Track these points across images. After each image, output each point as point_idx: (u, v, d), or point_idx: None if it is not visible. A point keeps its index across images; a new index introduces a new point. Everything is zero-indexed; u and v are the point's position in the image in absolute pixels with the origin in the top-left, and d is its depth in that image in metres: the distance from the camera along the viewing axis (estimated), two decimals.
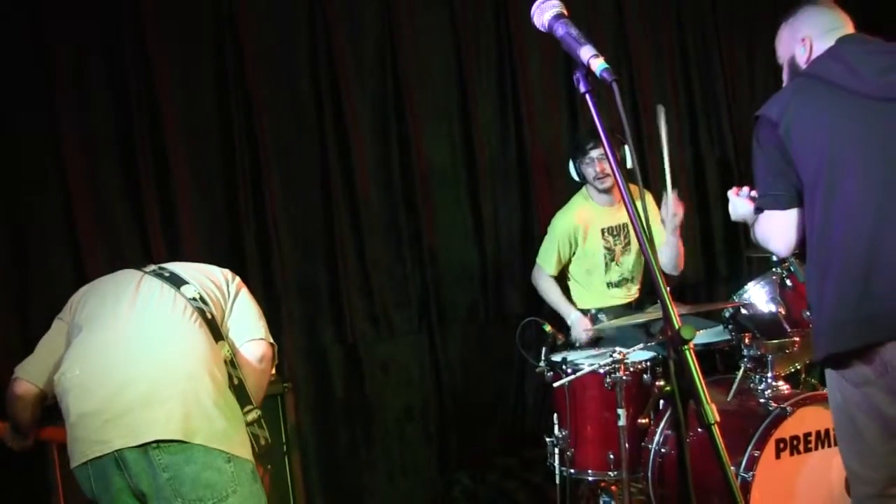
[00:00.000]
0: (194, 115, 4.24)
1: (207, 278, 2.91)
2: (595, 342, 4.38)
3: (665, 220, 4.31)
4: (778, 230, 2.83)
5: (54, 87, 3.92)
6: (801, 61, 2.88)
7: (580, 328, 4.41)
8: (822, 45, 2.81)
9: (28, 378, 2.76)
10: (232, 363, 2.77)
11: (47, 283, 3.84)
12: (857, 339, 2.62)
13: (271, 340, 2.97)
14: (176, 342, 2.65)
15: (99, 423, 2.48)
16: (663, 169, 4.22)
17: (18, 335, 3.75)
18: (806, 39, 2.86)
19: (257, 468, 2.69)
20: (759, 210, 2.90)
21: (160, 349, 2.62)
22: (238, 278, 3.05)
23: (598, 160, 4.40)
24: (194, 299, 2.77)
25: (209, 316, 2.77)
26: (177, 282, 2.81)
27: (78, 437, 2.52)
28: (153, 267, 2.91)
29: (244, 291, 3.01)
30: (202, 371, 2.60)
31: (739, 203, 3.17)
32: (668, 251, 4.37)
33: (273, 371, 3.06)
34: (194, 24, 4.27)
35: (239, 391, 2.74)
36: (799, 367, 4.15)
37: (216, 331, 2.77)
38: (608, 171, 4.37)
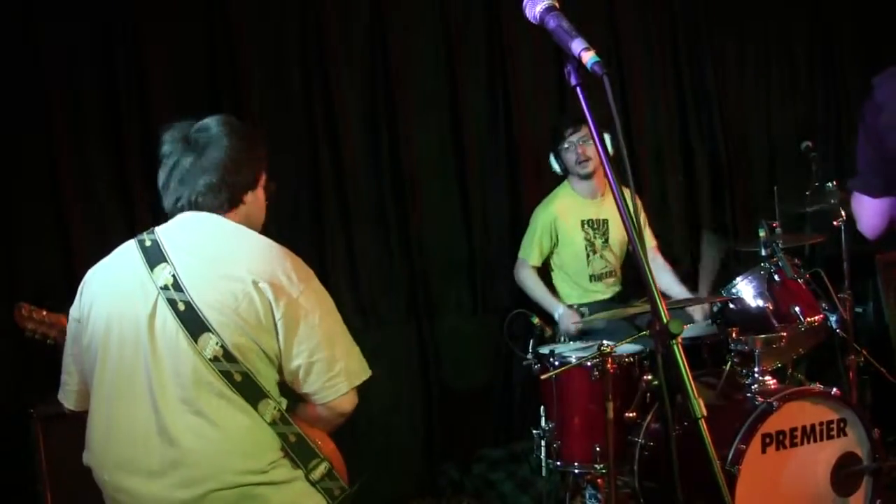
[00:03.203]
0: (184, 106, 4.19)
1: (238, 305, 2.24)
2: (582, 335, 4.37)
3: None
4: (866, 214, 2.81)
5: (47, 86, 3.92)
6: None
7: (568, 322, 4.41)
8: None
9: (69, 405, 2.53)
10: (283, 420, 2.30)
11: (35, 266, 3.83)
12: None
13: (356, 382, 2.40)
14: (188, 446, 2.22)
15: None
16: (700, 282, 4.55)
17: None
18: None
19: None
20: (852, 187, 2.85)
21: (162, 471, 2.23)
22: (299, 286, 2.30)
23: (578, 144, 4.43)
24: (216, 359, 2.21)
25: (238, 377, 2.23)
26: (194, 326, 2.22)
27: None
28: (166, 274, 2.28)
29: (302, 313, 2.28)
30: (227, 481, 2.22)
31: None
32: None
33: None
34: (185, 14, 4.25)
35: (298, 449, 2.33)
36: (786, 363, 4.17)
37: (254, 391, 2.26)
38: (589, 154, 4.42)
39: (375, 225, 4.73)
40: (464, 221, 4.98)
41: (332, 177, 4.57)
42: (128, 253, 2.40)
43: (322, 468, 2.38)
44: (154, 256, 2.33)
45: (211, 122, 2.46)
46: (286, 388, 2.38)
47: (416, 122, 4.81)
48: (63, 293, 3.69)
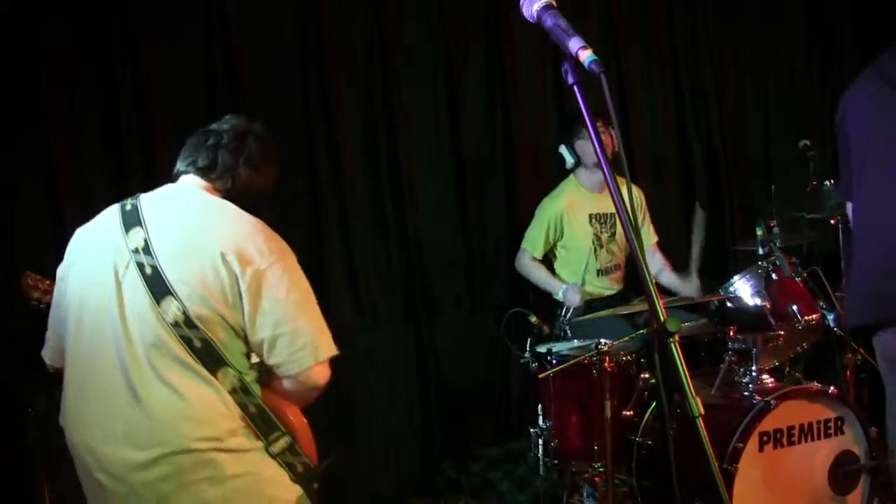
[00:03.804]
0: (182, 106, 4.19)
1: (204, 274, 2.27)
2: (580, 329, 4.37)
3: (680, 287, 4.57)
4: (851, 217, 2.98)
5: (45, 85, 3.90)
6: None
7: (573, 296, 4.40)
8: None
9: (48, 360, 2.58)
10: (244, 390, 2.31)
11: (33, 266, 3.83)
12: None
13: (321, 357, 2.37)
14: (148, 413, 2.25)
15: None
16: (690, 257, 4.51)
17: None
18: None
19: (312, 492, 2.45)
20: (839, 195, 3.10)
21: (124, 435, 2.26)
22: (269, 259, 2.33)
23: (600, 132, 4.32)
24: (177, 324, 2.24)
25: (198, 343, 2.25)
26: (158, 290, 2.26)
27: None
28: (139, 238, 2.34)
29: (267, 286, 2.30)
30: (183, 445, 2.23)
31: None
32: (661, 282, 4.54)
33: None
34: (184, 13, 4.24)
35: (258, 420, 2.33)
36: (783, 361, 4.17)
37: (214, 358, 2.28)
38: (608, 143, 4.33)
39: (373, 224, 4.72)
40: (462, 221, 4.98)
41: (330, 176, 4.57)
42: (109, 216, 2.47)
43: (283, 442, 2.37)
44: (131, 220, 2.40)
45: (265, 133, 2.66)
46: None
47: (415, 122, 4.81)
48: None
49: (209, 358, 2.27)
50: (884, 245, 2.74)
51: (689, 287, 4.51)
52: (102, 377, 2.30)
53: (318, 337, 2.37)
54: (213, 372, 2.27)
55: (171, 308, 2.25)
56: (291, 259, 2.42)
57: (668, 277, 4.66)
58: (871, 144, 2.75)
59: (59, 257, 3.79)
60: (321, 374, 2.39)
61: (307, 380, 2.38)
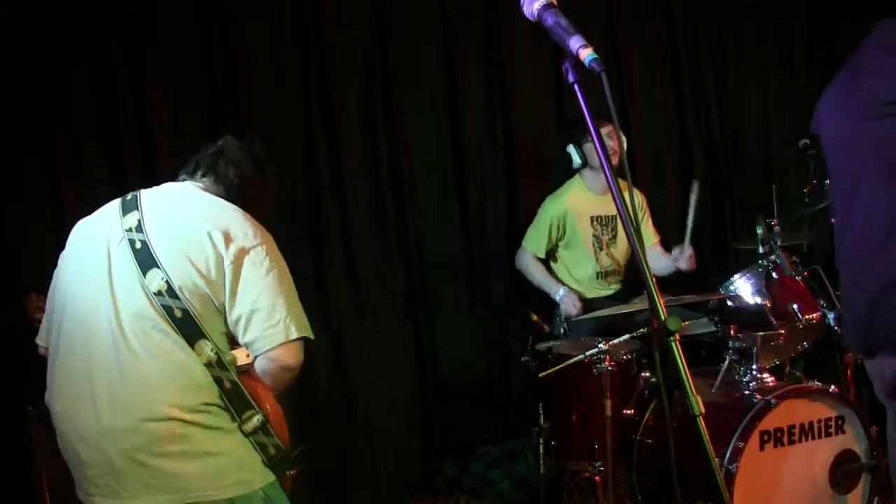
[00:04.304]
0: (182, 106, 4.20)
1: (190, 249, 2.38)
2: (580, 328, 4.37)
3: (675, 262, 4.50)
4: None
5: (45, 85, 3.91)
6: None
7: (570, 302, 4.40)
8: None
9: (41, 342, 2.61)
10: (220, 364, 2.35)
11: (33, 266, 3.83)
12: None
13: (293, 335, 2.41)
14: (126, 383, 2.31)
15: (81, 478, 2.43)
16: (686, 228, 4.39)
17: None
18: None
19: (285, 480, 2.47)
20: None
21: (104, 403, 2.32)
22: (253, 241, 2.45)
23: (607, 137, 4.31)
24: (160, 293, 2.33)
25: (178, 313, 2.33)
26: (145, 262, 2.37)
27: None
28: (134, 219, 2.47)
29: (250, 263, 2.41)
30: (157, 412, 2.28)
31: None
32: (662, 270, 4.49)
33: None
34: (183, 14, 4.25)
35: (233, 395, 2.36)
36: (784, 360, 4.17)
37: (193, 329, 2.34)
38: (615, 147, 4.31)
39: (374, 224, 4.72)
40: (462, 220, 4.98)
41: (330, 176, 4.57)
42: (110, 207, 2.60)
43: (256, 420, 2.38)
44: (129, 206, 2.54)
45: (260, 149, 2.78)
46: None
47: (415, 122, 4.81)
48: None
49: (188, 329, 2.34)
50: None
51: (682, 259, 4.45)
52: (92, 348, 2.37)
53: (294, 316, 2.43)
54: (192, 343, 2.34)
55: (156, 279, 2.35)
56: (274, 244, 2.52)
57: (664, 262, 4.63)
58: (844, 156, 2.70)
59: (58, 258, 3.83)
60: (293, 354, 2.44)
61: (279, 358, 2.42)
